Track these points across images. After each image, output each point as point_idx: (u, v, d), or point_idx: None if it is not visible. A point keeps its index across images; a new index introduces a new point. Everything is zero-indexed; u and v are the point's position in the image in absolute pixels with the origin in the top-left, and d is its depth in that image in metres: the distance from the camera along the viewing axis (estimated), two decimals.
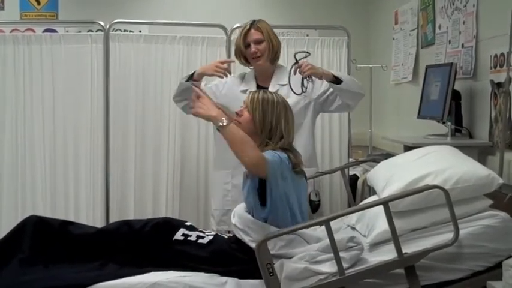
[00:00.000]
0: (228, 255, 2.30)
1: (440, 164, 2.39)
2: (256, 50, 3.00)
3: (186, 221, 2.51)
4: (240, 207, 2.42)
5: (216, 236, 2.42)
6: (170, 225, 2.43)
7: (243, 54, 3.07)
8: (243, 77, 3.16)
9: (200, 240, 2.35)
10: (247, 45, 3.02)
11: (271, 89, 2.99)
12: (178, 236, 2.36)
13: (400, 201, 2.23)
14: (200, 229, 2.47)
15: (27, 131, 3.68)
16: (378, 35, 5.57)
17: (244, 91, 2.98)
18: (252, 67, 3.14)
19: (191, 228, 2.43)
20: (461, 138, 3.29)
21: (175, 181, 3.81)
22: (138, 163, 3.78)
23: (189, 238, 2.36)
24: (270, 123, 2.36)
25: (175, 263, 2.28)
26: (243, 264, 2.24)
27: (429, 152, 2.60)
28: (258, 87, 3.05)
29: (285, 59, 3.86)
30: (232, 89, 3.10)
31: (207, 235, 2.39)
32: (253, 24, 3.03)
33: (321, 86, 3.07)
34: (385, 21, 5.25)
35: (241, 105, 2.51)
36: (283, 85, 3.03)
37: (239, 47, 3.06)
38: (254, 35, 3.01)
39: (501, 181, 2.34)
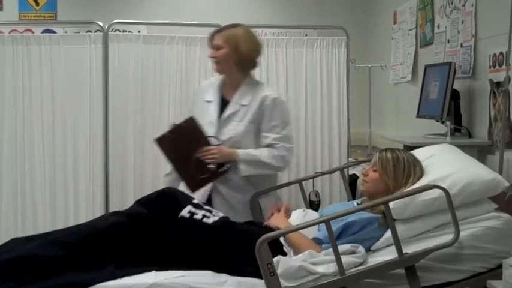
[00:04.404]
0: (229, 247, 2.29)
1: (444, 169, 2.38)
2: (214, 55, 2.91)
3: (194, 198, 2.49)
4: None
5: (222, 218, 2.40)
6: (176, 200, 2.40)
7: None
8: (211, 85, 3.06)
9: (205, 220, 2.34)
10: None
11: (231, 106, 2.91)
12: (185, 213, 2.35)
13: (405, 209, 2.24)
14: (207, 207, 2.44)
15: (26, 132, 3.65)
16: (377, 35, 5.57)
17: (208, 102, 2.96)
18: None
19: (198, 206, 2.40)
20: (460, 138, 3.29)
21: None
22: (137, 167, 3.75)
23: (194, 216, 2.34)
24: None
25: (178, 250, 2.26)
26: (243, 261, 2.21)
27: (431, 154, 2.58)
28: (222, 99, 2.96)
29: (284, 59, 3.87)
30: (199, 97, 3.06)
31: (214, 215, 2.38)
32: (221, 30, 2.95)
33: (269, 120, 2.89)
34: (384, 21, 5.26)
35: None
36: (243, 105, 2.90)
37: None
38: (215, 40, 2.92)
39: (507, 184, 2.31)
